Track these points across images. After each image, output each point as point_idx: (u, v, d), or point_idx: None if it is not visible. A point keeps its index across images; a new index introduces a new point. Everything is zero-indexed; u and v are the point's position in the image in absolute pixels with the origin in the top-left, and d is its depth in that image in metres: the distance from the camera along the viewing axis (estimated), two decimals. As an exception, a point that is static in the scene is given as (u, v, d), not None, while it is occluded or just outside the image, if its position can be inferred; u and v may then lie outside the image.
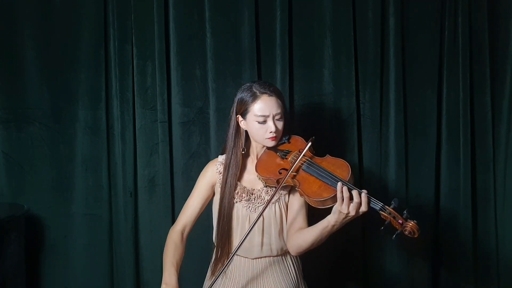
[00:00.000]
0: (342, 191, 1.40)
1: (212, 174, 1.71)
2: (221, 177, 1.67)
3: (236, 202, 1.65)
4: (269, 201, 1.55)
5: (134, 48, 2.10)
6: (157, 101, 2.10)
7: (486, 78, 2.24)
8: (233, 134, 1.67)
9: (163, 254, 1.64)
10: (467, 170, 2.23)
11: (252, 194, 1.66)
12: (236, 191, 1.65)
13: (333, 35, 2.14)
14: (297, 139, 1.69)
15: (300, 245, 1.55)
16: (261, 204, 1.64)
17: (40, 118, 2.11)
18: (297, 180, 1.55)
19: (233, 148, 1.66)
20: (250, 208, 1.64)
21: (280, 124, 1.62)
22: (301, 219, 1.61)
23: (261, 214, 1.55)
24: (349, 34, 2.14)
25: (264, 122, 1.59)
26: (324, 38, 2.14)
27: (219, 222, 1.66)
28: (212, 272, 1.70)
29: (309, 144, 1.58)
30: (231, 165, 1.65)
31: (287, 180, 1.55)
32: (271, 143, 1.63)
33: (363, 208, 1.39)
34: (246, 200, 1.65)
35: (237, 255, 1.66)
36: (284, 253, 1.69)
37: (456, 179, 2.23)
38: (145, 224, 2.16)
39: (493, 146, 2.28)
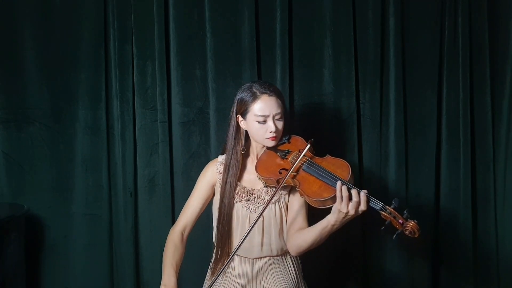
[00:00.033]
0: (341, 190, 1.40)
1: (212, 174, 1.71)
2: (221, 177, 1.67)
3: (236, 202, 1.65)
4: (269, 201, 1.55)
5: (134, 48, 2.10)
6: (157, 101, 2.10)
7: (486, 78, 2.24)
8: (233, 134, 1.67)
9: (163, 255, 1.64)
10: (467, 170, 2.23)
11: (252, 194, 1.66)
12: (236, 191, 1.65)
13: (333, 35, 2.14)
14: (297, 139, 1.69)
15: (300, 245, 1.55)
16: (261, 204, 1.64)
17: (40, 118, 2.11)
18: (297, 180, 1.55)
19: (233, 148, 1.66)
20: (250, 208, 1.64)
21: (280, 124, 1.62)
22: (301, 219, 1.61)
23: (261, 214, 1.55)
24: (349, 34, 2.14)
25: (264, 122, 1.59)
26: (324, 38, 2.15)
27: (219, 222, 1.66)
28: (212, 272, 1.70)
29: (308, 146, 1.58)
30: (231, 165, 1.65)
31: (287, 180, 1.55)
32: (271, 143, 1.63)
33: (362, 207, 1.39)
34: (246, 200, 1.65)
35: (237, 255, 1.66)
36: (284, 253, 1.69)
37: (456, 179, 2.23)
38: (145, 224, 2.16)
39: (493, 146, 2.28)
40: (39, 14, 2.08)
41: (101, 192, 2.15)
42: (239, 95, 1.64)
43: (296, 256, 1.72)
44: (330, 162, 1.57)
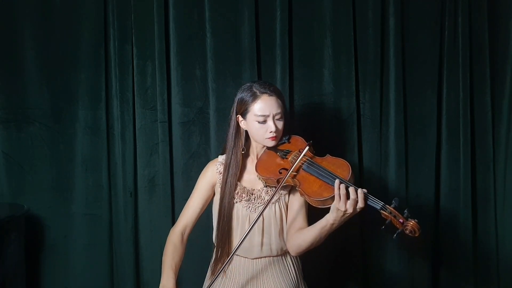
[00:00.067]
0: (339, 188, 1.41)
1: (212, 174, 1.71)
2: (221, 177, 1.67)
3: (236, 202, 1.65)
4: (269, 201, 1.55)
5: (134, 48, 2.10)
6: (157, 101, 2.10)
7: (486, 78, 2.24)
8: (233, 134, 1.67)
9: (163, 256, 1.64)
10: (467, 170, 2.23)
11: (252, 194, 1.66)
12: (236, 191, 1.65)
13: (333, 35, 2.14)
14: (297, 139, 1.69)
15: (300, 245, 1.55)
16: (261, 204, 1.64)
17: (40, 118, 2.11)
18: (297, 180, 1.55)
19: (233, 148, 1.66)
20: (250, 208, 1.64)
21: (280, 124, 1.62)
22: (301, 219, 1.61)
23: (261, 214, 1.55)
24: (349, 34, 2.14)
25: (264, 122, 1.59)
26: (324, 38, 2.15)
27: (219, 222, 1.66)
28: (212, 272, 1.70)
29: (308, 146, 1.58)
30: (231, 165, 1.65)
31: (287, 180, 1.55)
32: (271, 143, 1.63)
33: (360, 204, 1.40)
34: (246, 200, 1.65)
35: (237, 255, 1.66)
36: (284, 253, 1.69)
37: (456, 179, 2.23)
38: (145, 224, 2.16)
39: (493, 146, 2.28)
40: (39, 14, 2.08)
41: (101, 192, 2.15)
42: (239, 95, 1.64)
43: (296, 256, 1.72)
44: (330, 162, 1.57)
